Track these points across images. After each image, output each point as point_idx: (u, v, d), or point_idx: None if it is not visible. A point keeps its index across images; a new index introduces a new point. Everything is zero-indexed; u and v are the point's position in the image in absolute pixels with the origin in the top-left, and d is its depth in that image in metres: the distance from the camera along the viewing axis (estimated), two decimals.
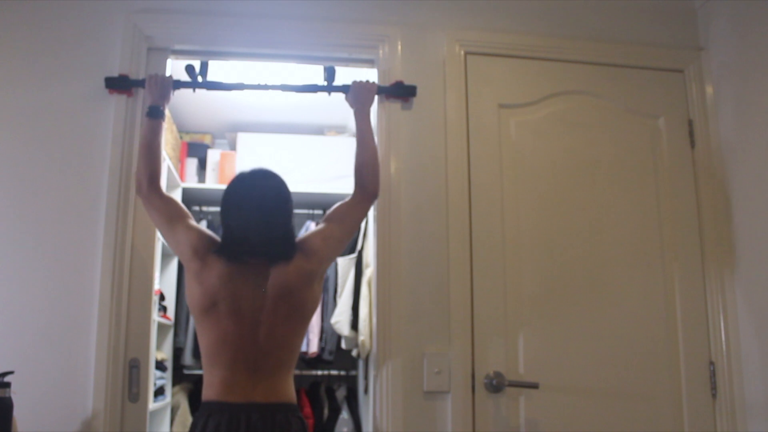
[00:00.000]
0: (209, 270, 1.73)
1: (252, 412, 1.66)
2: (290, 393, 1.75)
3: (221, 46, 2.15)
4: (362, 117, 2.01)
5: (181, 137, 3.64)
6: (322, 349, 3.35)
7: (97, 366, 1.86)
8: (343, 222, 1.89)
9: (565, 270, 2.13)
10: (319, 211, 3.79)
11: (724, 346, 2.14)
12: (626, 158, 2.25)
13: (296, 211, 3.58)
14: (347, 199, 1.93)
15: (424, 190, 2.11)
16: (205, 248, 1.76)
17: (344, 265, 3.23)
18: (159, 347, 3.28)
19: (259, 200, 1.76)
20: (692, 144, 2.29)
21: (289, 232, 1.81)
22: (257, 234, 1.75)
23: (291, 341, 1.77)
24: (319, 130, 3.70)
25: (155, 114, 1.93)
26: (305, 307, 1.78)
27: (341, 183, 3.48)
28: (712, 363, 2.15)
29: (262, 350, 1.71)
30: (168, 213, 1.83)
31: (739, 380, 2.11)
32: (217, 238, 1.81)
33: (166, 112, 2.00)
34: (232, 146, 3.72)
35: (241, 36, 2.14)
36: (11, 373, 1.61)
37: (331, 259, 1.88)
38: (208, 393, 1.70)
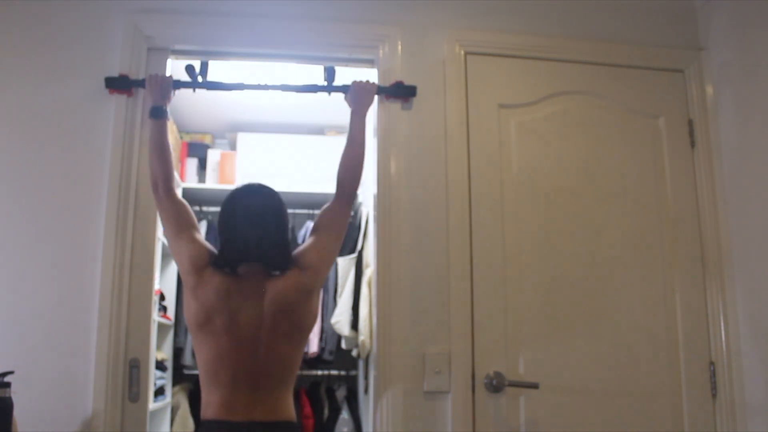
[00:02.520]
0: (205, 284, 1.72)
1: (252, 431, 1.65)
2: (290, 411, 1.74)
3: (221, 46, 2.15)
4: (358, 117, 2.01)
5: (181, 137, 3.64)
6: (322, 349, 3.35)
7: (97, 366, 1.86)
8: (331, 229, 1.90)
9: (565, 270, 2.13)
10: (318, 211, 3.79)
11: (724, 346, 2.14)
12: (626, 158, 2.25)
13: (296, 211, 3.61)
14: (329, 204, 1.94)
15: (424, 190, 2.11)
16: (203, 263, 1.76)
17: (344, 265, 3.23)
18: (159, 347, 3.28)
19: (254, 213, 1.78)
20: (692, 144, 2.29)
21: (285, 243, 1.81)
22: (253, 243, 1.76)
23: (291, 358, 1.76)
24: (319, 130, 3.70)
25: (159, 114, 1.93)
26: (304, 323, 1.78)
27: None
28: (712, 363, 2.15)
29: (261, 368, 1.70)
30: (177, 219, 1.83)
31: (739, 380, 2.11)
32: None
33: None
34: (232, 146, 3.72)
35: (241, 36, 2.14)
36: (11, 373, 1.61)
37: (328, 269, 1.88)
38: (207, 412, 1.69)
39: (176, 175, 3.39)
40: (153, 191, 1.88)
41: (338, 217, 1.93)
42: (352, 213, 3.71)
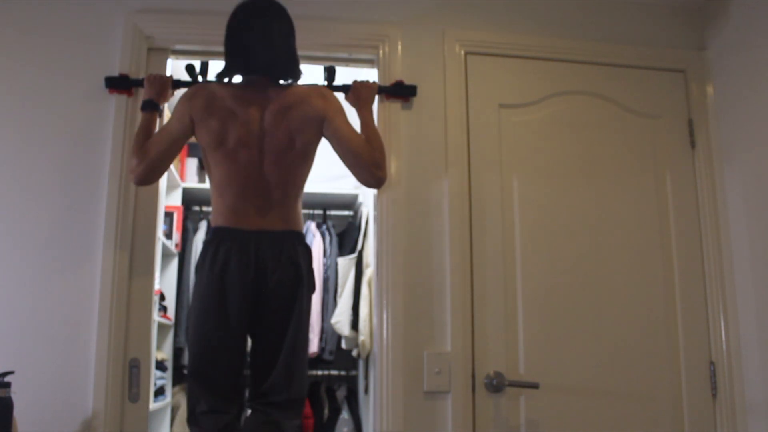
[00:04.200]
0: (216, 102, 1.80)
1: (261, 238, 1.77)
2: (297, 221, 1.85)
3: (221, 46, 2.14)
4: (365, 111, 2.00)
5: None
6: (322, 349, 3.35)
7: (97, 366, 1.86)
8: (354, 132, 1.86)
9: (565, 270, 2.13)
10: (319, 211, 3.79)
11: (724, 346, 2.14)
12: (626, 158, 2.25)
13: None
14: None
15: (424, 190, 2.11)
16: (201, 88, 1.85)
17: (344, 265, 3.24)
18: (159, 347, 3.28)
19: (261, 23, 1.83)
20: (692, 144, 2.29)
21: (292, 54, 1.88)
22: (259, 50, 1.82)
23: (294, 172, 1.84)
24: None
25: (150, 106, 1.94)
26: (302, 134, 1.83)
27: (341, 183, 3.48)
28: (712, 363, 2.15)
29: (268, 180, 1.80)
30: (159, 135, 1.85)
31: (739, 380, 2.11)
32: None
33: (166, 111, 2.00)
34: None
35: None
36: (11, 373, 1.61)
37: (329, 123, 1.84)
38: (218, 219, 1.80)
39: (176, 175, 3.39)
40: (133, 175, 1.82)
41: (362, 140, 1.87)
42: (352, 213, 3.72)
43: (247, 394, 1.84)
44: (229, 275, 1.73)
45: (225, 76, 1.86)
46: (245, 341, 1.82)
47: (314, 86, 1.93)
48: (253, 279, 1.74)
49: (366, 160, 1.85)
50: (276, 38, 1.84)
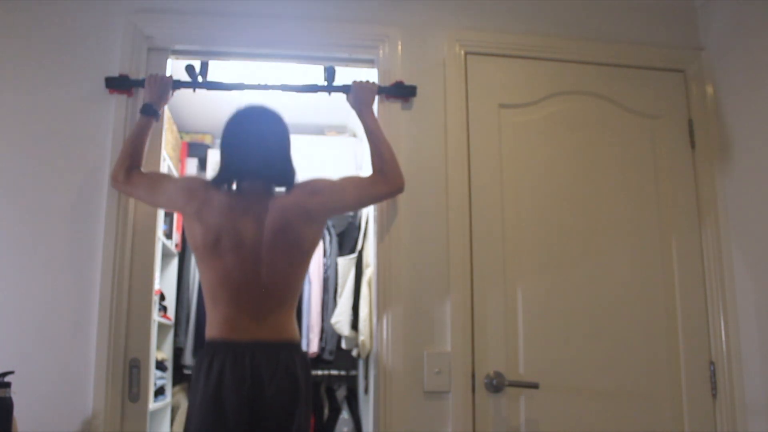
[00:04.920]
0: (209, 205, 1.76)
1: (256, 350, 1.69)
2: (293, 331, 1.78)
3: (221, 46, 2.15)
4: (367, 114, 2.01)
5: (181, 137, 3.64)
6: (322, 349, 3.35)
7: (97, 366, 1.86)
8: (357, 188, 1.89)
9: (565, 270, 2.13)
10: None
11: (724, 346, 2.14)
12: (626, 158, 2.25)
13: None
14: (366, 176, 1.95)
15: (424, 190, 2.11)
16: (201, 186, 1.80)
17: (344, 265, 3.24)
18: (159, 347, 3.28)
19: (257, 129, 1.81)
20: (692, 144, 2.29)
21: (287, 159, 1.84)
22: (255, 158, 1.79)
23: (292, 279, 1.79)
24: (319, 130, 3.70)
25: (148, 111, 1.95)
26: (303, 244, 1.79)
27: None
28: (712, 363, 2.15)
29: (263, 288, 1.73)
30: (151, 180, 1.88)
31: (739, 380, 2.11)
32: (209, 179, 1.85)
33: (167, 112, 2.00)
34: None
35: (241, 36, 2.13)
36: (11, 373, 1.61)
37: (332, 210, 1.87)
38: (211, 331, 1.73)
39: (176, 175, 3.38)
40: (113, 183, 1.90)
41: (368, 187, 1.90)
42: (351, 213, 3.72)
43: None
44: (224, 390, 1.65)
45: (221, 183, 1.80)
46: None
47: (307, 183, 1.85)
48: (248, 393, 1.65)
49: (381, 192, 1.90)
50: (271, 146, 1.81)
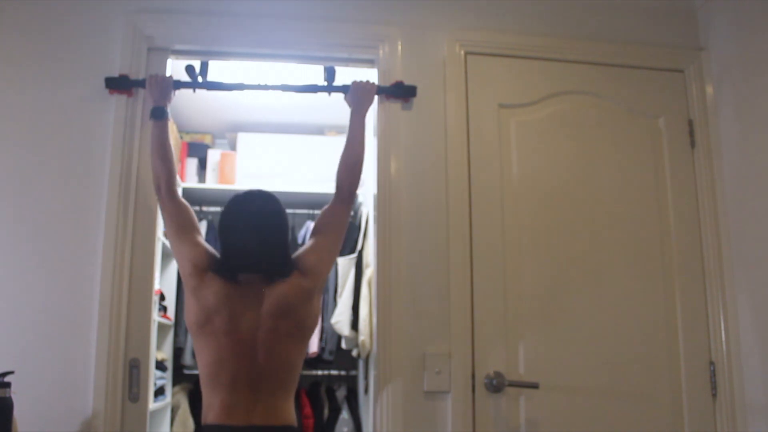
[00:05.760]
0: (206, 287, 1.73)
1: None
2: (291, 415, 1.73)
3: (221, 46, 2.15)
4: (358, 117, 2.01)
5: (181, 137, 3.64)
6: (322, 349, 3.35)
7: (97, 366, 1.86)
8: (331, 230, 1.90)
9: (565, 270, 2.13)
10: (319, 211, 3.79)
11: (724, 346, 2.14)
12: (626, 158, 2.25)
13: (296, 211, 3.61)
14: (329, 205, 1.95)
15: (424, 190, 2.11)
16: (204, 266, 1.76)
17: (344, 265, 3.23)
18: (159, 347, 3.28)
19: (255, 219, 1.78)
20: (692, 144, 2.29)
21: (285, 250, 1.81)
22: (254, 252, 1.76)
23: (291, 361, 1.75)
24: (319, 130, 3.70)
25: (160, 114, 1.93)
26: (305, 325, 1.78)
27: None
28: (712, 363, 2.15)
29: (261, 371, 1.70)
30: (179, 221, 1.84)
31: (739, 380, 2.11)
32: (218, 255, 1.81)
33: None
34: (232, 146, 3.72)
35: (241, 36, 2.14)
36: (11, 373, 1.61)
37: (328, 272, 1.88)
38: (207, 416, 1.68)
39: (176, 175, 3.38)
40: (156, 192, 1.89)
41: (338, 218, 1.93)
42: (352, 213, 3.71)
43: None
44: None
45: (220, 274, 1.76)
46: None
47: (296, 263, 1.82)
48: None
49: (347, 217, 1.94)
50: (270, 240, 1.78)
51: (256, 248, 1.76)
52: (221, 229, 1.80)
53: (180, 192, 3.45)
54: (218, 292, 1.72)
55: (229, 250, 1.77)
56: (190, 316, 1.74)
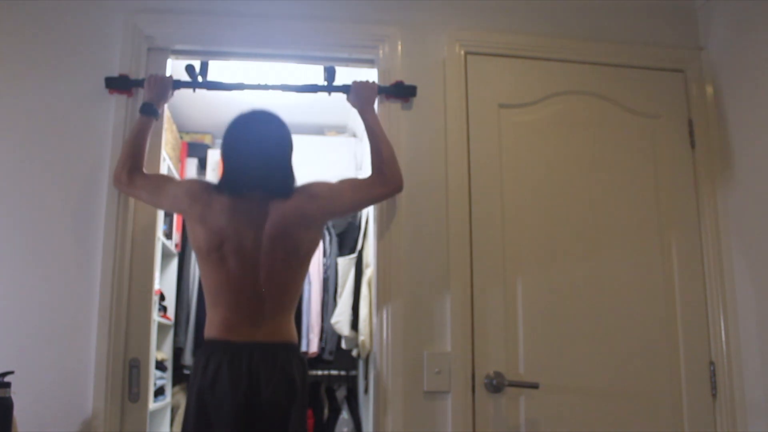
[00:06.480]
0: (212, 209, 1.76)
1: (254, 351, 1.70)
2: (291, 333, 1.79)
3: (221, 46, 2.15)
4: (369, 114, 2.01)
5: (181, 137, 3.64)
6: (322, 349, 3.35)
7: (97, 366, 1.86)
8: (355, 191, 1.90)
9: (565, 271, 2.13)
10: None
11: (724, 346, 2.14)
12: (626, 158, 2.25)
13: None
14: (364, 177, 1.95)
15: (424, 190, 2.11)
16: (204, 190, 1.80)
17: (344, 265, 3.24)
18: (159, 347, 3.28)
19: (258, 135, 1.81)
20: (692, 144, 2.29)
21: (288, 167, 1.84)
22: (257, 167, 1.79)
23: (290, 284, 1.79)
24: (319, 130, 3.70)
25: (148, 111, 1.95)
26: (300, 249, 1.80)
27: None
28: (712, 363, 2.15)
29: (262, 292, 1.74)
30: (153, 182, 1.88)
31: (739, 380, 2.11)
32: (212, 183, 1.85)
33: (166, 112, 2.00)
34: None
35: (241, 36, 2.13)
36: (11, 373, 1.61)
37: (331, 214, 1.87)
38: (210, 331, 1.75)
39: (176, 175, 3.39)
40: (116, 184, 1.91)
41: (367, 188, 1.91)
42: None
43: None
44: (220, 387, 1.66)
45: (223, 190, 1.79)
46: None
47: (306, 187, 1.85)
48: (244, 392, 1.66)
49: (379, 193, 1.92)
50: (272, 156, 1.80)
51: (258, 164, 1.79)
52: (224, 146, 1.83)
53: None
54: (224, 209, 1.75)
55: (231, 168, 1.80)
56: (198, 243, 1.77)
